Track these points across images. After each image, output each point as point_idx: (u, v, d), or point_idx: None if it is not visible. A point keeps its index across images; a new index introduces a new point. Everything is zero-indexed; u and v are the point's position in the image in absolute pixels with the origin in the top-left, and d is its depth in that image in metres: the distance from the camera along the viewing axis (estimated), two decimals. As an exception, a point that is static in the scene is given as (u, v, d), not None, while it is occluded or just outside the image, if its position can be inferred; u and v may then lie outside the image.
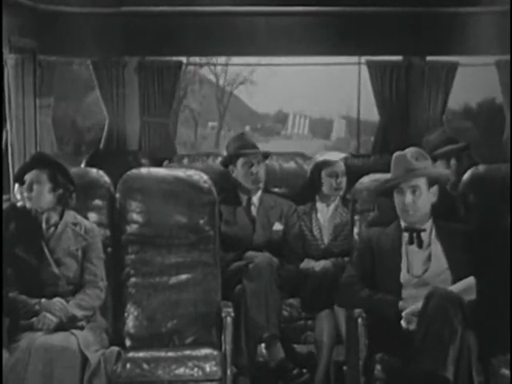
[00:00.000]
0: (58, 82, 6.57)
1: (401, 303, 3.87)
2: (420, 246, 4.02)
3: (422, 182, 4.02)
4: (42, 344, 3.75)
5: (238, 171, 5.18)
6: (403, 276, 3.98)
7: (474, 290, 3.81)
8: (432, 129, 6.26)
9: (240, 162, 5.18)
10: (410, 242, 4.04)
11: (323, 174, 5.16)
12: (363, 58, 6.99)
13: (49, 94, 6.26)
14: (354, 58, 7.39)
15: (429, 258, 4.01)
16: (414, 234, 4.02)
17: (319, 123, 13.11)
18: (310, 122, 13.14)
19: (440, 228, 4.06)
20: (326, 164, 5.17)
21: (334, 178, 5.15)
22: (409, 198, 4.02)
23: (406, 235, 4.04)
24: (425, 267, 4.00)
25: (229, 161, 5.24)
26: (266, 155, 5.30)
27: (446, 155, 4.89)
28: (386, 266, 4.01)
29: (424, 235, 4.03)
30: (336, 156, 5.26)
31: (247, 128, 13.49)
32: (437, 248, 4.02)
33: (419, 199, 4.01)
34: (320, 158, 5.24)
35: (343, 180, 5.16)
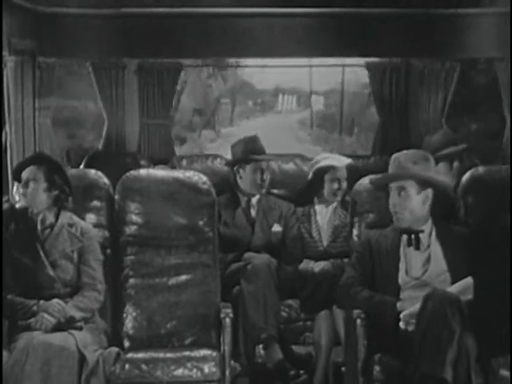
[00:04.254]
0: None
1: (399, 304, 3.87)
2: (417, 247, 4.01)
3: (409, 185, 4.00)
4: (39, 343, 3.75)
5: (246, 175, 5.15)
6: (401, 278, 3.97)
7: (472, 291, 3.81)
8: (432, 130, 6.26)
9: (250, 167, 5.15)
10: (409, 243, 4.03)
11: (326, 178, 5.14)
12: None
13: (48, 95, 6.27)
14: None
15: (428, 260, 4.00)
16: (412, 236, 4.02)
17: (304, 99, 15.16)
18: (298, 97, 14.81)
19: (440, 230, 4.05)
20: (330, 169, 5.15)
21: (336, 183, 5.14)
22: (394, 198, 4.03)
23: (404, 237, 4.04)
24: (424, 269, 3.99)
25: (236, 163, 5.21)
26: (271, 160, 5.29)
27: (448, 157, 4.87)
28: (385, 268, 4.00)
29: (423, 237, 4.03)
30: (340, 161, 5.23)
31: (250, 103, 14.78)
32: (436, 250, 4.01)
33: (405, 201, 4.00)
34: (324, 162, 5.19)
35: (343, 185, 5.14)
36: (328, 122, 14.80)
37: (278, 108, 15.05)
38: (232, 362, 4.06)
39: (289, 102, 15.16)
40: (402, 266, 4.00)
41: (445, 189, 4.11)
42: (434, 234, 4.04)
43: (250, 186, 5.17)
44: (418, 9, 6.22)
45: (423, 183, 4.02)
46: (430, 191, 4.04)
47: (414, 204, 4.01)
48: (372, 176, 4.38)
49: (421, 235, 4.02)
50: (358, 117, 13.78)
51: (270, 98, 15.13)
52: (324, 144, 14.68)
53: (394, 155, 4.12)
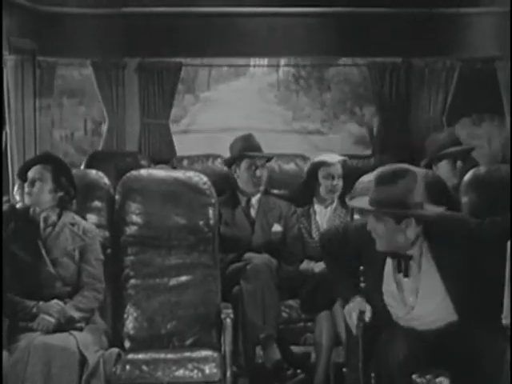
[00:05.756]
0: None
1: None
2: (406, 274, 3.67)
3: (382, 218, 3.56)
4: (40, 343, 3.76)
5: (241, 173, 5.15)
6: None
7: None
8: (433, 129, 6.27)
9: (244, 164, 5.14)
10: (398, 269, 3.68)
11: (319, 175, 5.13)
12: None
13: (48, 95, 6.27)
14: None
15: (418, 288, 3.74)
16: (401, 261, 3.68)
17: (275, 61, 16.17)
18: (269, 60, 16.17)
19: (434, 253, 3.67)
20: (322, 165, 5.14)
21: (330, 179, 5.12)
22: (371, 223, 3.64)
23: (389, 261, 3.71)
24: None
25: (233, 161, 5.22)
26: (270, 158, 5.28)
27: (452, 156, 4.87)
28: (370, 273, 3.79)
29: (412, 262, 3.69)
30: (333, 158, 5.23)
31: (225, 68, 15.84)
32: (429, 276, 3.67)
33: (381, 230, 3.59)
34: (317, 158, 5.22)
35: (339, 182, 5.12)
36: (292, 84, 15.64)
37: (250, 71, 15.92)
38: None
39: (260, 65, 16.35)
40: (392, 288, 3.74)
41: (424, 215, 3.58)
42: (427, 256, 3.67)
43: (246, 184, 5.16)
44: (419, 8, 6.24)
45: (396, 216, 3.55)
46: (410, 220, 3.58)
47: (393, 234, 3.60)
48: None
49: (411, 261, 3.68)
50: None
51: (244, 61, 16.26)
52: (286, 103, 15.53)
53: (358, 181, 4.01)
